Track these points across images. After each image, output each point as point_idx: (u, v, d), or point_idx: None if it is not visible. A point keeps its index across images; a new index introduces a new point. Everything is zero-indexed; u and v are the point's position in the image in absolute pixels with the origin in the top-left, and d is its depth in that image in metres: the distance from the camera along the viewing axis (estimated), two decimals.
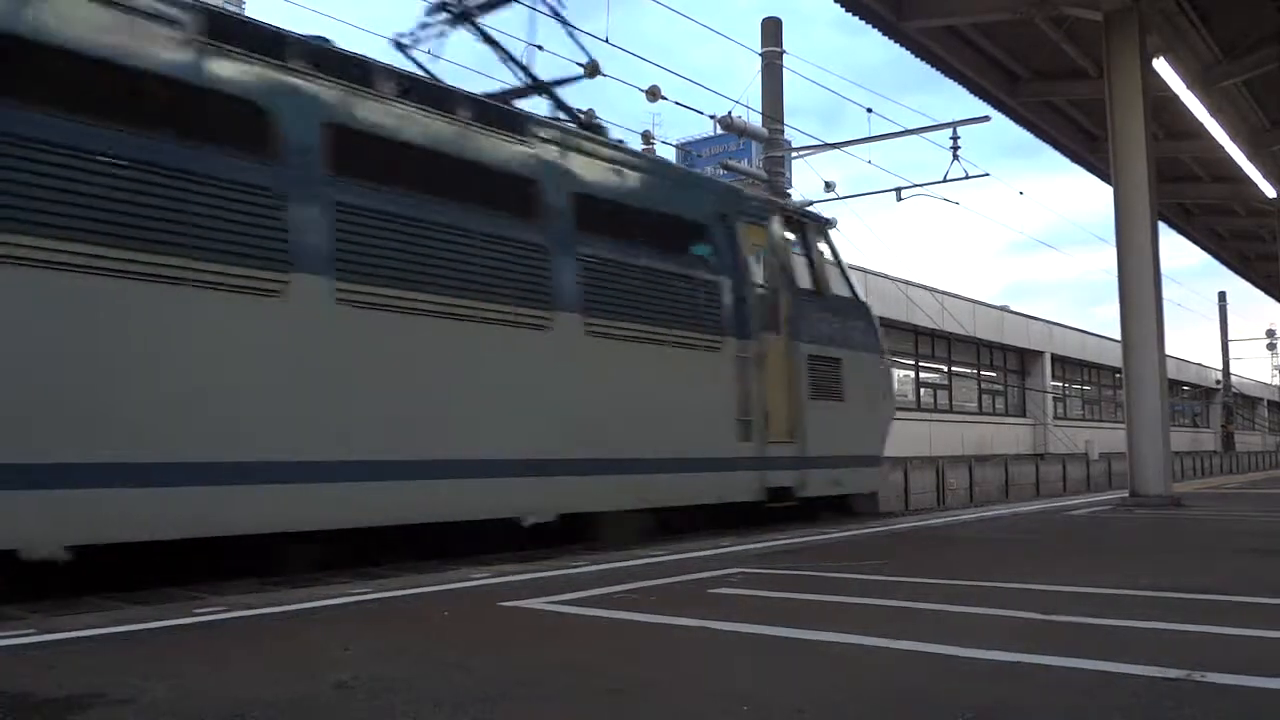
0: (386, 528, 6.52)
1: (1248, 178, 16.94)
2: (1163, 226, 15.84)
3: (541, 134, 7.96)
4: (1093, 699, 2.68)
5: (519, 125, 7.82)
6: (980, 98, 15.06)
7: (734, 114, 16.82)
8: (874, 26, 12.64)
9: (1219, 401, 47.66)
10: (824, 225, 11.12)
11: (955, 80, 14.26)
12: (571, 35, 9.99)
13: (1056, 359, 34.32)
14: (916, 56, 13.45)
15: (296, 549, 6.17)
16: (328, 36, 6.87)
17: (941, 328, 25.65)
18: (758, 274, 9.59)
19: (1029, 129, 16.56)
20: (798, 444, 9.62)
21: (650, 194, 8.92)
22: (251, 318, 5.87)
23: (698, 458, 8.67)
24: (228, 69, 5.97)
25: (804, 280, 10.29)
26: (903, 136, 19.20)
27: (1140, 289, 10.93)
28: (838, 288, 10.89)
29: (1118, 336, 11.31)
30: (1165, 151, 15.57)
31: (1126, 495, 10.99)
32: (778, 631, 3.63)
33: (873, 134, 19.15)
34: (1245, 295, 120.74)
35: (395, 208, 6.63)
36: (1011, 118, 15.94)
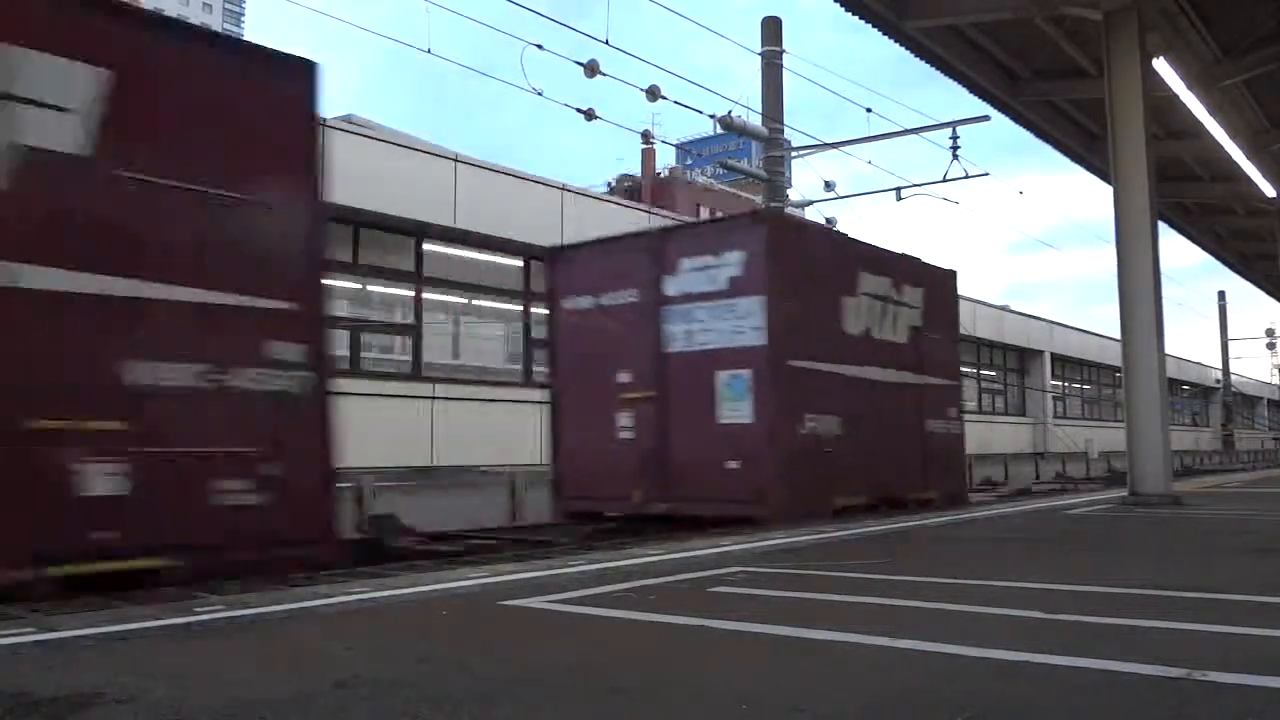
0: None
1: (1248, 177, 16.92)
2: (1163, 226, 15.82)
3: None
4: (1094, 698, 2.68)
5: None
6: (980, 97, 15.06)
7: (734, 114, 16.80)
8: (874, 26, 12.63)
9: (1219, 400, 47.67)
10: None
11: (955, 80, 14.25)
12: None
13: (1056, 358, 34.33)
14: (916, 56, 13.44)
15: None
16: None
17: None
18: None
19: (1029, 129, 16.55)
20: None
21: None
22: None
23: None
24: None
25: None
26: (902, 136, 19.18)
27: (1140, 288, 10.92)
28: None
29: (1118, 336, 11.29)
30: (1165, 151, 15.56)
31: (1126, 494, 10.98)
32: (777, 630, 3.63)
33: (872, 134, 19.14)
34: (1245, 295, 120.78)
35: None
36: (1011, 117, 15.93)
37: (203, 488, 5.48)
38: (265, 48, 6.42)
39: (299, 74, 6.30)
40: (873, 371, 10.88)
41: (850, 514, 9.52)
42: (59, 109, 5.19)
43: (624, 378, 10.04)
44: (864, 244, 11.59)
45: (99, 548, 5.07)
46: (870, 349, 10.86)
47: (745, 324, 9.37)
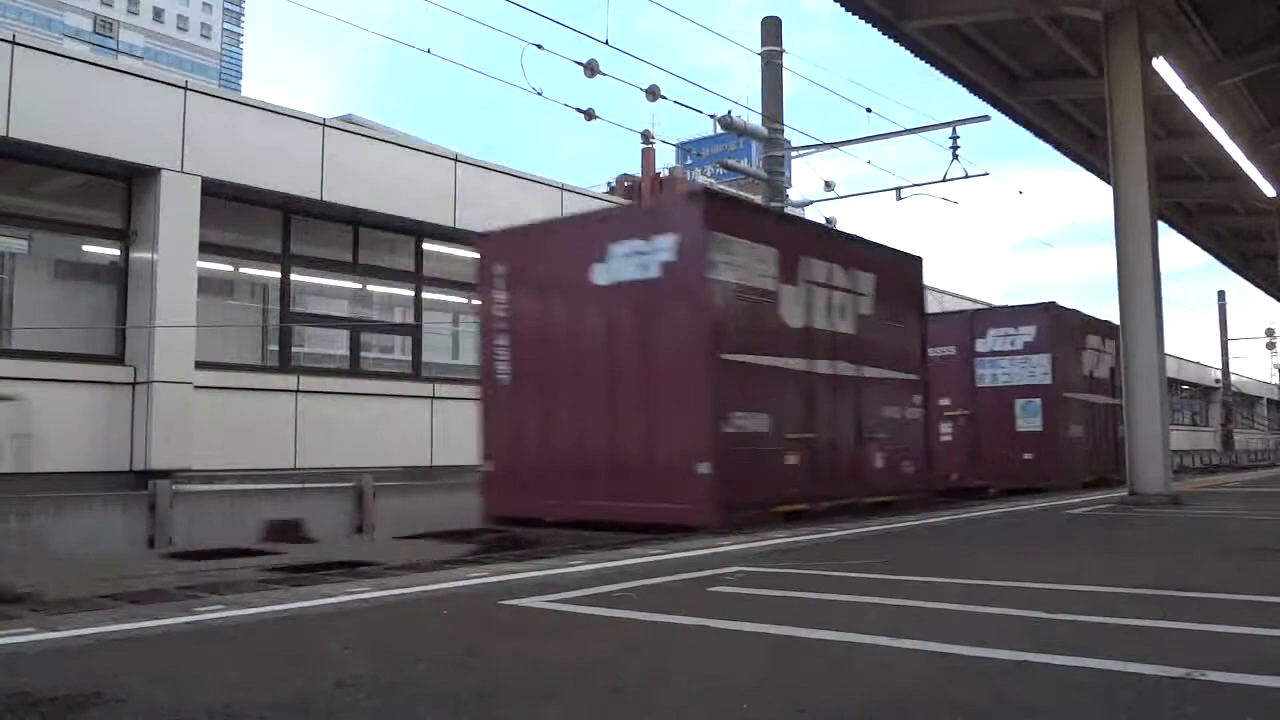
0: None
1: (1248, 177, 16.92)
2: (1163, 226, 15.83)
3: None
4: (1095, 697, 2.68)
5: None
6: (980, 97, 15.05)
7: (734, 114, 16.80)
8: (874, 26, 12.63)
9: (1218, 400, 47.66)
10: None
11: (955, 80, 14.25)
12: None
13: None
14: (916, 56, 13.44)
15: None
16: None
17: None
18: None
19: (1029, 128, 16.55)
20: None
21: None
22: None
23: None
24: None
25: None
26: (902, 136, 19.19)
27: (1140, 288, 10.92)
28: None
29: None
30: (1165, 151, 15.56)
31: (1126, 494, 10.98)
32: (777, 630, 3.63)
33: (872, 133, 19.15)
34: (1245, 295, 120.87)
35: None
36: (1011, 117, 15.93)
37: (900, 463, 11.06)
38: (908, 253, 12.25)
39: (918, 261, 12.35)
40: (1095, 397, 17.06)
41: (1089, 487, 15.13)
42: (864, 295, 10.87)
43: (945, 401, 15.11)
44: (1090, 316, 17.45)
45: (949, 484, 12.47)
46: (1092, 383, 17.13)
47: (1037, 370, 15.58)
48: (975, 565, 5.95)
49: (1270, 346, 50.32)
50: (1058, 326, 15.79)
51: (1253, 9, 12.50)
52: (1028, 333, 15.57)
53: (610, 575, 5.16)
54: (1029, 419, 15.48)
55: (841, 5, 12.17)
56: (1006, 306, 17.57)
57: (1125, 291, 11.03)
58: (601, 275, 9.22)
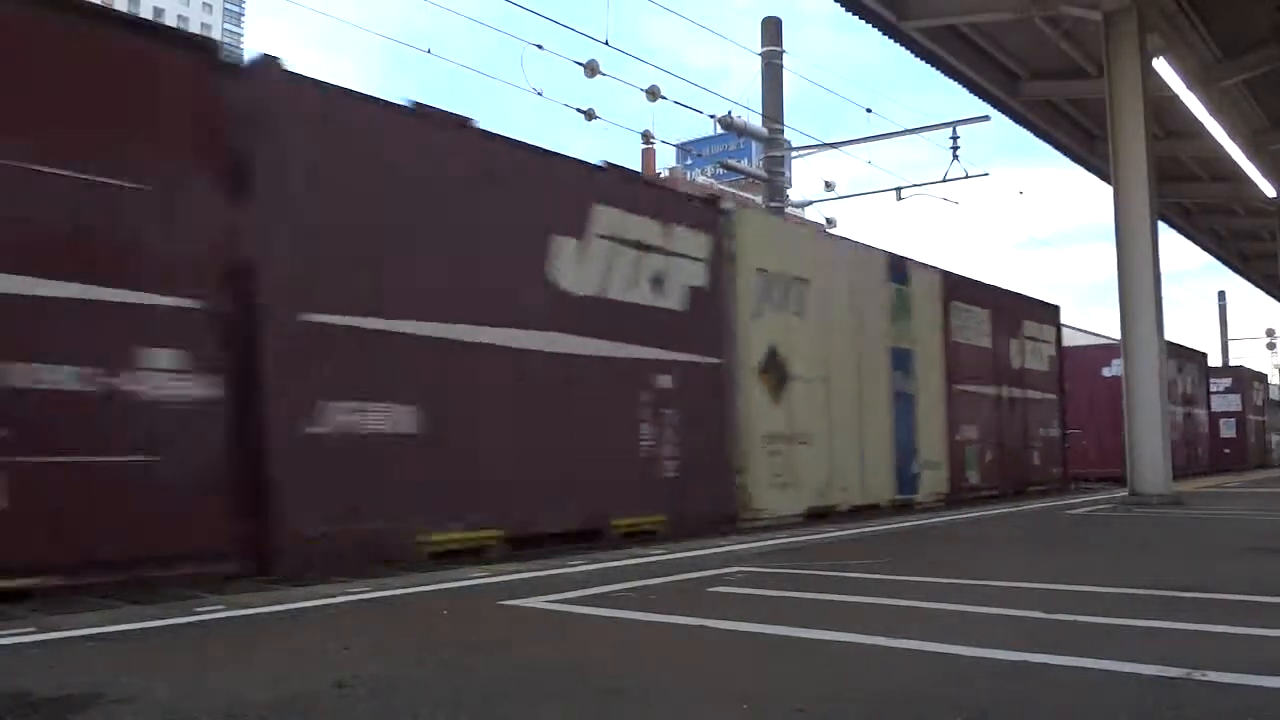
0: None
1: (1248, 177, 16.91)
2: (1163, 226, 15.81)
3: None
4: (1093, 698, 2.68)
5: None
6: (980, 97, 15.04)
7: (734, 114, 16.81)
8: (874, 26, 12.62)
9: None
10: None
11: (955, 80, 14.23)
12: None
13: None
14: (916, 56, 13.43)
15: None
16: None
17: None
18: None
19: (1029, 129, 16.53)
20: None
21: None
22: None
23: None
24: None
25: None
26: (902, 136, 19.22)
27: (1140, 289, 10.92)
28: None
29: (1118, 336, 11.30)
30: (1165, 151, 15.54)
31: (1126, 494, 10.98)
32: (777, 630, 3.63)
33: (872, 134, 19.18)
34: (1245, 295, 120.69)
35: None
36: (1011, 117, 15.91)
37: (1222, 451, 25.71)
38: (1196, 349, 25.31)
39: (1204, 355, 27.53)
40: (1253, 411, 28.36)
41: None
42: (1191, 376, 24.41)
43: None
44: (1232, 368, 28.66)
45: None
46: (1256, 410, 28.99)
47: (1233, 403, 27.43)
48: (975, 565, 5.95)
49: (1270, 346, 50.26)
50: (1245, 381, 27.32)
51: (1252, 10, 12.49)
52: (1224, 386, 27.16)
53: (611, 575, 5.16)
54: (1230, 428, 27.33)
55: (841, 5, 12.16)
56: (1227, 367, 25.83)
57: (1125, 291, 11.03)
58: (1106, 372, 19.18)
